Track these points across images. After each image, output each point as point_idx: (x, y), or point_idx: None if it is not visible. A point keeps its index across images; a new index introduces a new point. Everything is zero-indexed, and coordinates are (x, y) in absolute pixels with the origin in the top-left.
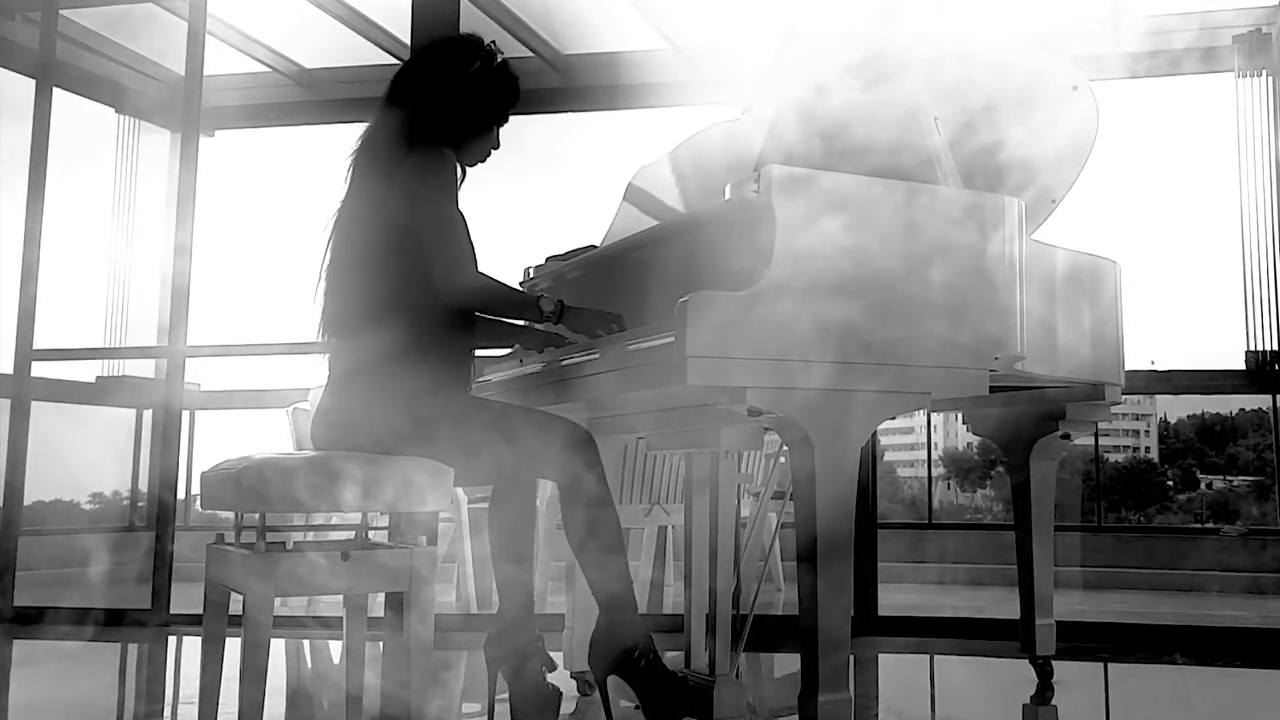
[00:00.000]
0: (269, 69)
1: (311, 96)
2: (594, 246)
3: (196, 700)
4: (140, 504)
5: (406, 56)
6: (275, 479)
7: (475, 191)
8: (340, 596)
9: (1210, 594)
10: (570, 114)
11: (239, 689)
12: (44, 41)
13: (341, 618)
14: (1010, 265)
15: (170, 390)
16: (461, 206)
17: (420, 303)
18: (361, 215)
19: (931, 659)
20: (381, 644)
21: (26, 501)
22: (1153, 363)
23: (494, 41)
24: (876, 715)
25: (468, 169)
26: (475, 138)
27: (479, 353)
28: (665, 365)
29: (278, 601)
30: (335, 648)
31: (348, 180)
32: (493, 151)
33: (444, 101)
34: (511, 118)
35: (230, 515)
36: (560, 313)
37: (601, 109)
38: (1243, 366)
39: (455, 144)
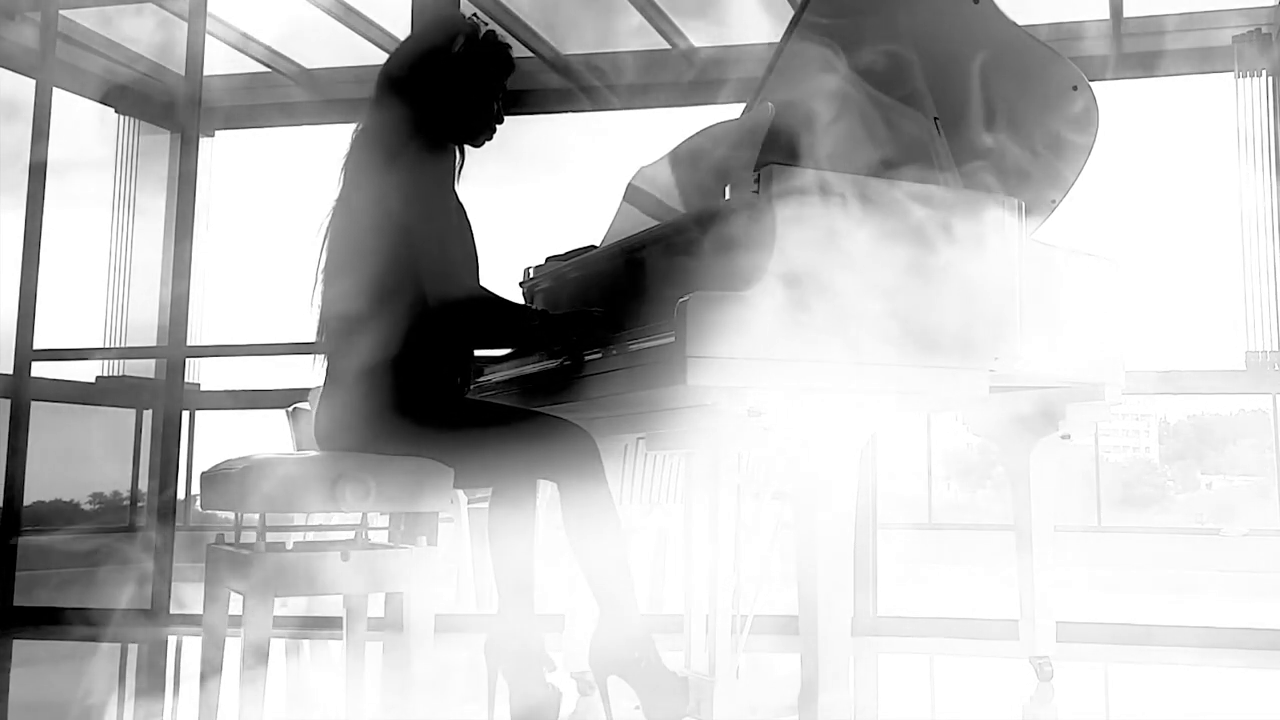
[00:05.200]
0: (269, 69)
1: (311, 96)
2: (594, 246)
3: (196, 700)
4: (140, 504)
5: None
6: (275, 479)
7: (475, 192)
8: (340, 596)
9: (1210, 594)
10: (570, 114)
11: (239, 689)
12: (44, 41)
13: (341, 618)
14: (1010, 265)
15: (170, 390)
16: (462, 207)
17: (418, 302)
18: (357, 215)
19: (931, 659)
20: (381, 644)
21: (26, 501)
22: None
23: (475, 15)
24: (876, 715)
25: (476, 148)
26: (475, 118)
27: (479, 352)
28: (665, 365)
29: (278, 601)
30: (335, 648)
31: (341, 180)
32: (498, 127)
33: (434, 89)
34: (511, 118)
35: (230, 515)
36: (545, 325)
37: (601, 109)
38: (1243, 367)
39: (455, 129)
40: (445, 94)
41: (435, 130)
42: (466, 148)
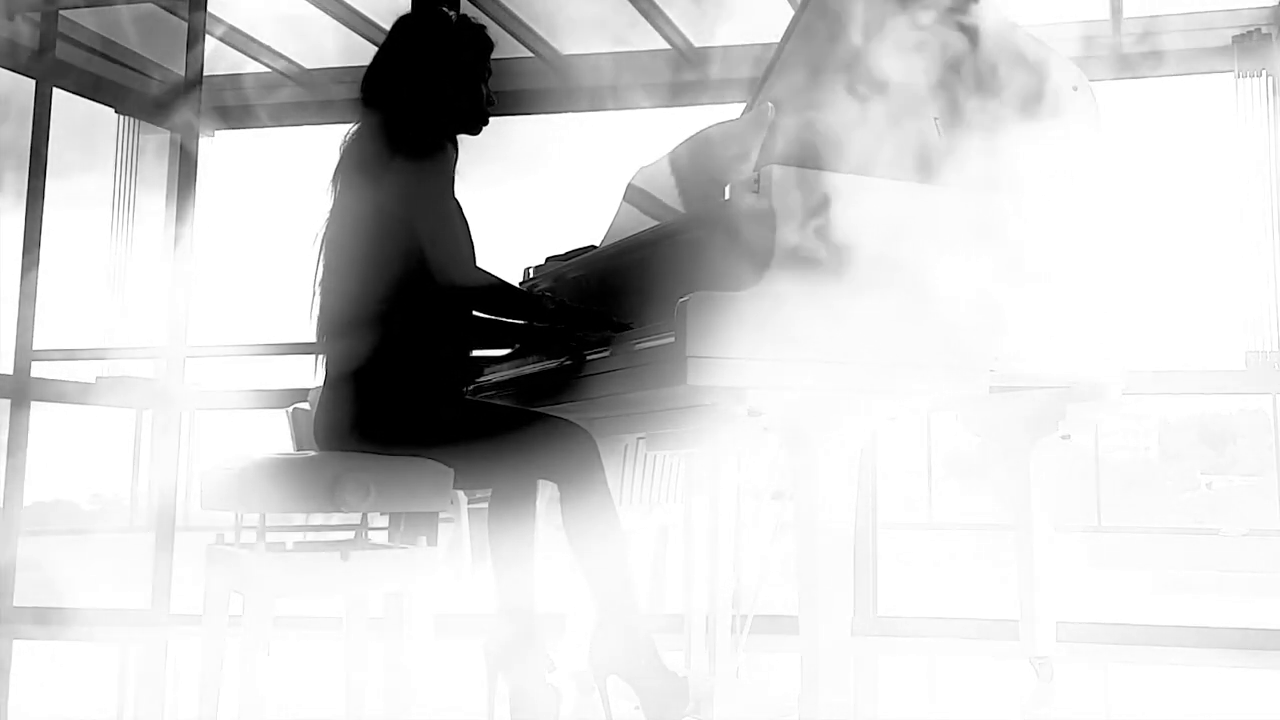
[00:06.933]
0: (269, 69)
1: (311, 96)
2: (594, 246)
3: (196, 701)
4: (140, 504)
5: None
6: (275, 479)
7: (474, 194)
8: (340, 596)
9: (1209, 594)
10: (570, 114)
11: (239, 689)
12: (44, 41)
13: (341, 618)
14: (1010, 265)
15: (170, 390)
16: (459, 205)
17: (418, 304)
18: (355, 219)
19: (931, 659)
20: (381, 644)
21: (26, 501)
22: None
23: (464, 14)
24: (876, 715)
25: (474, 135)
26: (466, 105)
27: (478, 352)
28: (665, 365)
29: (278, 601)
30: (335, 648)
31: (334, 188)
32: (491, 110)
33: (420, 85)
34: (511, 119)
35: (230, 515)
36: (559, 312)
37: (601, 109)
38: (1243, 367)
39: (448, 122)
40: (431, 88)
41: (429, 128)
42: (463, 144)
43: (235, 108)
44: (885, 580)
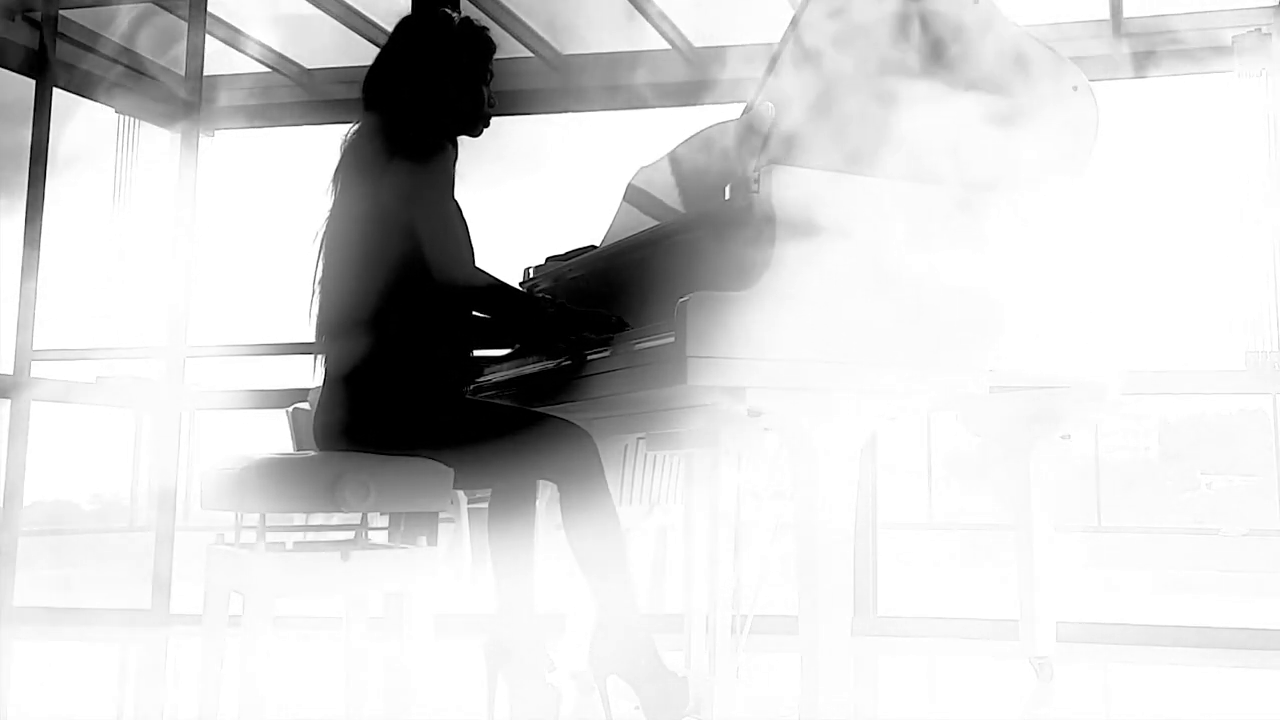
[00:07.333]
0: (269, 69)
1: (311, 96)
2: (594, 246)
3: (196, 701)
4: (140, 504)
5: None
6: (275, 479)
7: (474, 192)
8: (340, 596)
9: (1210, 594)
10: (570, 114)
11: (239, 689)
12: (44, 41)
13: (341, 618)
14: (1010, 265)
15: (170, 390)
16: (459, 206)
17: (418, 304)
18: (355, 219)
19: (931, 659)
20: (381, 644)
21: (26, 501)
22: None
23: (462, 14)
24: (876, 715)
25: (475, 136)
26: (467, 107)
27: (478, 352)
28: (665, 365)
29: (278, 602)
30: (336, 648)
31: (334, 188)
32: (492, 112)
33: (421, 86)
34: (510, 119)
35: (230, 515)
36: (559, 315)
37: (601, 109)
38: (1243, 367)
39: (449, 123)
40: (433, 88)
41: (429, 128)
42: (463, 145)
43: (235, 108)
44: (885, 580)
